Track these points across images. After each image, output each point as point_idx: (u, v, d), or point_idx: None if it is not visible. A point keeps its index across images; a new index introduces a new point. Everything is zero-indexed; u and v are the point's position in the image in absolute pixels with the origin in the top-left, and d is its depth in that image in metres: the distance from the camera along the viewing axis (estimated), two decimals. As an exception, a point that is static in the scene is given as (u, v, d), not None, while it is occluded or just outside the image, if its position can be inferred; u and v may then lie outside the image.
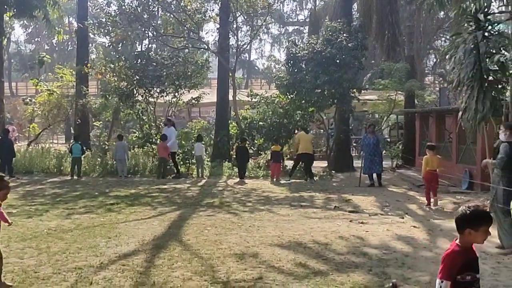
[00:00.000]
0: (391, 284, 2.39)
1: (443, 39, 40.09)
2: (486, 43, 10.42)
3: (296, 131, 22.36)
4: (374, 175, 17.41)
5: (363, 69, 24.25)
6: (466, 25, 11.46)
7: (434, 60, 44.02)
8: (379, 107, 24.70)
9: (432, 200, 13.17)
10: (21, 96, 43.77)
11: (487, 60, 10.39)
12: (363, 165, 17.61)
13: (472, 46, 10.43)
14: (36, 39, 77.18)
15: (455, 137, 17.95)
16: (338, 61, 20.92)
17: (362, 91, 23.75)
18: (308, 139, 19.20)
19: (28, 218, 10.95)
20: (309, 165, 19.02)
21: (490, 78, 10.62)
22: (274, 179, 18.62)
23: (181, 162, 21.03)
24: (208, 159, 21.63)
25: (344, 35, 21.12)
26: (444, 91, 25.91)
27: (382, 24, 25.49)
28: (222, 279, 6.72)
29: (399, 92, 23.24)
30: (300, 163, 19.40)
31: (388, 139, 29.62)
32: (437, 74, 42.32)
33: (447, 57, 12.63)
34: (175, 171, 19.62)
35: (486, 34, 10.63)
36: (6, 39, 28.39)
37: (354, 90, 21.75)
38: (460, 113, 11.25)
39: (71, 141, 22.95)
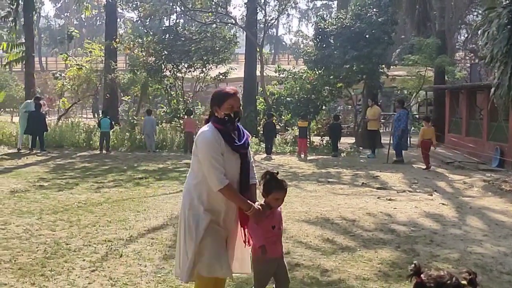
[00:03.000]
0: (413, 265, 2.36)
1: (475, 13, 39.17)
2: (521, 18, 10.18)
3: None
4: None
5: (392, 45, 23.92)
6: (500, -1, 11.20)
7: (466, 35, 43.12)
8: (408, 83, 24.38)
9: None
10: (51, 70, 44.20)
11: (522, 35, 10.16)
12: (391, 141, 17.47)
13: (506, 20, 10.20)
14: (65, 14, 77.88)
15: (486, 114, 17.68)
16: (367, 36, 20.69)
17: (391, 67, 23.51)
18: None
19: (59, 191, 11.12)
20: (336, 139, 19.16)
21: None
22: (302, 155, 18.59)
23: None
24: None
25: (374, 9, 20.85)
26: (476, 67, 25.47)
27: (413, -2, 25.04)
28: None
29: (429, 68, 22.91)
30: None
31: (417, 116, 29.29)
32: (468, 50, 41.44)
33: (479, 32, 12.39)
34: None
35: (522, 8, 10.38)
36: (36, 14, 28.55)
37: (383, 65, 21.53)
38: (493, 89, 11.06)
39: (100, 115, 23.17)
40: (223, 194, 4.14)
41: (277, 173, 4.51)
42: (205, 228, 4.16)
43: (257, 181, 4.49)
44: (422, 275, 2.61)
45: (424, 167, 15.59)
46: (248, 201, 4.23)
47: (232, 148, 4.22)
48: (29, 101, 19.98)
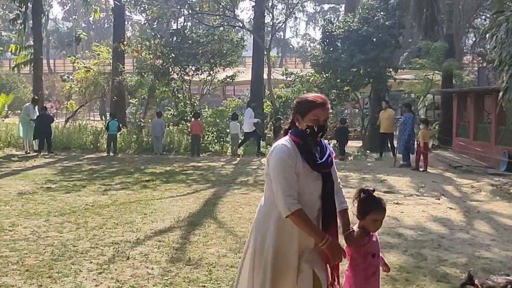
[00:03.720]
0: (466, 274, 2.23)
1: (483, 17, 39.06)
2: (530, 22, 10.14)
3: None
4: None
5: (400, 48, 23.88)
6: (508, 3, 11.16)
7: (473, 39, 43.00)
8: (415, 87, 24.29)
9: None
10: (59, 73, 44.40)
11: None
12: (398, 145, 17.44)
13: (515, 24, 10.16)
14: (73, 17, 78.15)
15: (494, 118, 17.60)
16: (374, 39, 20.67)
17: (399, 70, 23.46)
18: None
19: (66, 193, 11.15)
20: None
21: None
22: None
23: (215, 140, 21.15)
24: (242, 138, 21.66)
25: (381, 13, 20.83)
26: (483, 71, 25.40)
27: (420, 2, 24.93)
28: (257, 256, 6.74)
29: (437, 71, 22.84)
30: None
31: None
32: (476, 53, 41.29)
33: (487, 36, 12.36)
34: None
35: (530, 12, 10.34)
36: (44, 17, 28.68)
37: (391, 69, 21.51)
38: (501, 93, 11.02)
39: (108, 117, 23.25)
40: (293, 221, 3.47)
41: (374, 190, 3.92)
42: (281, 269, 3.58)
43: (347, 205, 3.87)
44: (476, 282, 2.48)
45: (422, 169, 15.93)
46: (322, 231, 3.54)
47: (312, 167, 3.56)
48: (27, 104, 20.13)
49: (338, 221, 3.76)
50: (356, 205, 3.89)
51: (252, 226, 3.80)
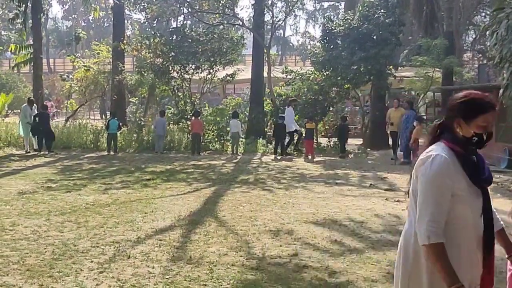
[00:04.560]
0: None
1: (483, 14, 39.01)
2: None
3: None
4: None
5: (400, 46, 23.84)
6: (509, 0, 11.15)
7: (474, 36, 42.96)
8: (416, 84, 24.28)
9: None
10: (59, 72, 44.41)
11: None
12: (399, 142, 17.42)
13: (515, 21, 10.15)
14: (73, 16, 78.17)
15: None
16: (374, 37, 20.65)
17: (399, 68, 23.44)
18: None
19: (66, 192, 11.14)
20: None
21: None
22: (309, 156, 18.56)
23: (216, 139, 21.15)
24: (243, 136, 21.65)
25: (381, 10, 20.79)
26: (484, 68, 25.38)
27: (420, -1, 24.98)
28: (258, 255, 6.75)
29: (437, 69, 22.81)
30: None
31: (425, 117, 29.18)
32: (476, 51, 41.25)
33: (487, 33, 12.33)
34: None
35: (531, 9, 10.33)
36: (44, 16, 28.66)
37: (391, 66, 21.49)
38: (501, 90, 11.02)
39: (108, 116, 23.25)
40: (426, 253, 2.91)
41: None
42: None
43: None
44: None
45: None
46: (456, 277, 2.85)
47: (475, 182, 2.97)
48: (24, 105, 20.16)
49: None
50: None
51: (398, 252, 3.22)
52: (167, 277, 5.84)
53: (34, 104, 19.88)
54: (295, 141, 20.11)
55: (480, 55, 39.78)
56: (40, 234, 7.57)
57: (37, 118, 19.03)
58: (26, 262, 6.25)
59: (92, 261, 6.34)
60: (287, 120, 19.41)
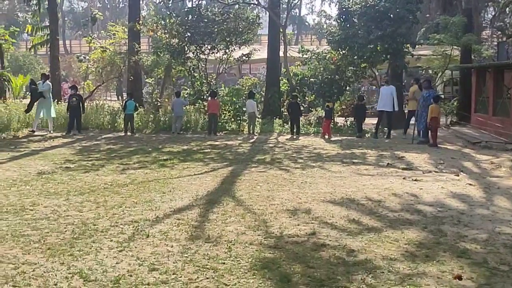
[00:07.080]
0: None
1: (503, -10, 38.40)
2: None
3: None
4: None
5: (417, 24, 23.53)
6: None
7: (493, 13, 42.30)
8: (433, 63, 24.00)
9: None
10: (75, 53, 44.49)
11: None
12: (418, 121, 17.27)
13: (536, -3, 9.95)
14: (88, -3, 78.03)
15: (514, 93, 17.37)
16: (391, 15, 20.40)
17: (416, 46, 23.17)
18: None
19: (85, 172, 11.24)
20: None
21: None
22: (326, 136, 18.51)
23: (232, 119, 21.15)
24: (259, 116, 21.61)
25: (399, -13, 20.48)
26: (503, 45, 25.00)
27: (438, -24, 24.58)
28: (276, 234, 6.77)
29: (455, 47, 22.52)
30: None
31: (442, 96, 28.91)
32: (495, 28, 40.64)
33: (507, 9, 12.12)
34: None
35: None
36: (59, -3, 28.69)
37: (408, 45, 21.23)
38: (521, 67, 10.84)
39: (125, 97, 23.32)
40: None
41: None
42: None
43: None
44: None
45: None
46: None
47: None
48: (48, 82, 20.19)
49: None
50: None
51: None
52: (185, 255, 5.88)
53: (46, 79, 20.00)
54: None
55: (499, 32, 39.17)
56: (60, 214, 7.66)
57: (74, 99, 19.28)
58: (47, 241, 6.33)
59: (111, 240, 6.41)
60: (387, 101, 18.94)
